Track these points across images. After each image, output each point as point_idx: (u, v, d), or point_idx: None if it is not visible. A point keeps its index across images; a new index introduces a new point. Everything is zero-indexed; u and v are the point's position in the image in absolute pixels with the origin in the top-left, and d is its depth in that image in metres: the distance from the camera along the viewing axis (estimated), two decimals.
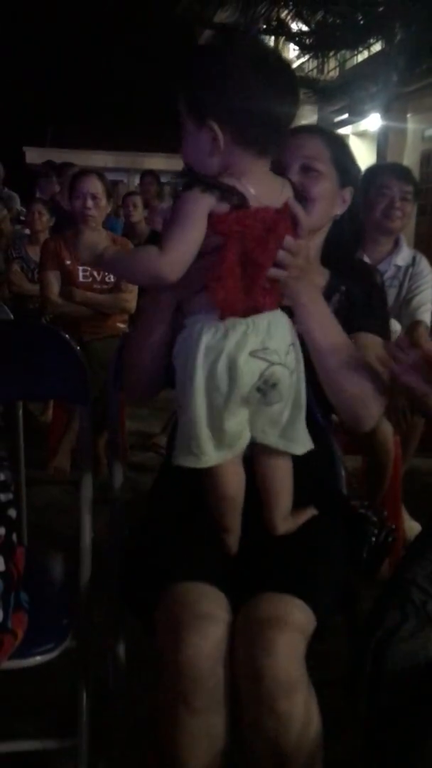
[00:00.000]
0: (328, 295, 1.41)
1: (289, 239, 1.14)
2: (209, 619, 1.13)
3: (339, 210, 1.45)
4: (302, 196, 1.21)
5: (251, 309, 1.13)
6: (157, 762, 1.16)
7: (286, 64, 1.17)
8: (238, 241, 1.10)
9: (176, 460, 1.20)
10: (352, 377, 1.26)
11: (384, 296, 1.53)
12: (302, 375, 1.20)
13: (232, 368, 1.12)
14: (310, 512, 1.31)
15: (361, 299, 1.44)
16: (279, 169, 1.28)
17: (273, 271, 1.13)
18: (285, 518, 1.27)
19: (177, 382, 1.20)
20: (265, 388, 1.15)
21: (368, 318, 1.42)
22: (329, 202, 1.42)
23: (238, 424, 1.18)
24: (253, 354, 1.12)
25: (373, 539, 1.34)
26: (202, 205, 1.08)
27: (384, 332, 1.45)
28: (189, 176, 1.12)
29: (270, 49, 1.16)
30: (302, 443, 1.22)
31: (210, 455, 1.18)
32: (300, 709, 1.10)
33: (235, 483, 1.25)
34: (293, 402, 1.20)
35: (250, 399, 1.16)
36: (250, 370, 1.13)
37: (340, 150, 1.44)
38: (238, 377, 1.12)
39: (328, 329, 1.26)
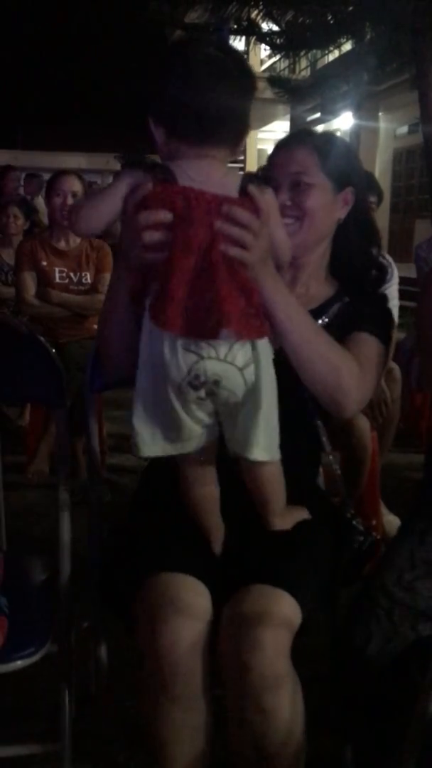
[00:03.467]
0: (329, 303, 1.41)
1: (245, 213, 1.08)
2: (188, 609, 1.13)
3: (341, 213, 1.42)
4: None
5: (206, 327, 1.07)
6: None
7: (214, 57, 1.12)
8: (180, 230, 1.06)
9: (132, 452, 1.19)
10: (325, 364, 1.23)
11: (390, 316, 1.46)
12: (266, 375, 1.14)
13: (161, 362, 1.11)
14: (304, 513, 1.32)
15: (364, 310, 1.41)
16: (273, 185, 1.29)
17: (234, 251, 1.08)
18: (281, 514, 1.27)
19: None
20: (197, 383, 1.11)
21: (369, 323, 1.38)
22: (326, 212, 1.39)
23: (187, 419, 1.15)
24: (185, 347, 1.09)
25: (357, 546, 1.35)
26: (123, 176, 1.14)
27: (384, 339, 1.39)
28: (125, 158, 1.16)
29: (205, 46, 1.13)
30: (258, 450, 1.16)
31: (149, 445, 1.17)
32: (286, 705, 1.11)
33: (202, 486, 1.25)
34: (251, 404, 1.14)
35: (186, 393, 1.12)
36: (176, 363, 1.10)
37: (334, 154, 1.40)
38: (164, 366, 1.10)
39: (294, 317, 1.21)
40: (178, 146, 1.13)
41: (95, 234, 1.20)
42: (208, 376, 1.11)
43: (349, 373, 1.25)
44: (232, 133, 1.14)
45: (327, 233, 1.43)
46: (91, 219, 1.16)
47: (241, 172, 1.16)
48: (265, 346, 1.15)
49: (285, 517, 1.28)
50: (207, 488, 1.26)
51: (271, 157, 1.44)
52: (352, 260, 1.46)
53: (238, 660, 1.10)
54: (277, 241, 1.19)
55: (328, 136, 1.49)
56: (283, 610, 1.14)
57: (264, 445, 1.16)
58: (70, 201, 3.22)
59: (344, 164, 1.41)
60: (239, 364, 1.12)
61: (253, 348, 1.13)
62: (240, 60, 1.16)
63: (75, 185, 3.26)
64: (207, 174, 1.11)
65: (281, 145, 1.44)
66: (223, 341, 1.09)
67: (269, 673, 1.09)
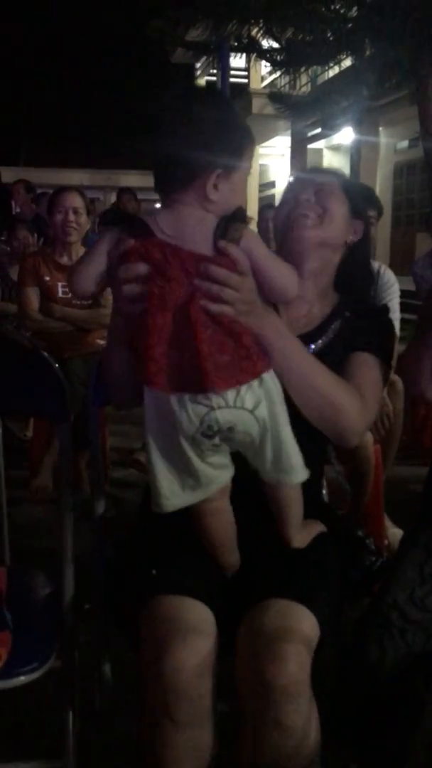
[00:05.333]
0: (330, 320, 1.41)
1: (221, 271, 1.07)
2: (193, 633, 1.13)
3: (352, 238, 1.45)
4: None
5: (192, 382, 1.07)
6: None
7: (182, 105, 1.13)
8: (156, 286, 1.07)
9: (152, 506, 1.20)
10: (324, 400, 1.23)
11: (392, 330, 1.48)
12: (278, 404, 1.15)
13: (170, 415, 1.11)
14: (320, 527, 1.32)
15: (365, 326, 1.41)
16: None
17: (216, 307, 1.07)
18: (299, 531, 1.27)
19: None
20: (210, 433, 1.11)
21: (369, 342, 1.38)
22: (344, 223, 1.42)
23: (205, 467, 1.15)
24: (192, 399, 1.09)
25: (368, 565, 1.36)
26: (105, 237, 1.16)
27: (384, 357, 1.39)
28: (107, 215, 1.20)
29: (185, 101, 1.14)
30: (296, 472, 1.19)
31: (171, 499, 1.17)
32: (303, 722, 1.10)
33: (217, 518, 1.24)
34: (273, 437, 1.15)
35: (200, 443, 1.12)
36: (187, 416, 1.10)
37: (350, 186, 1.46)
38: (177, 421, 1.11)
39: (290, 355, 1.20)
40: (159, 195, 1.15)
41: (91, 294, 1.21)
42: (221, 424, 1.11)
43: (350, 407, 1.24)
44: (184, 177, 1.11)
45: (338, 246, 1.43)
46: (81, 280, 1.17)
47: (216, 219, 1.12)
48: (270, 375, 1.15)
49: (303, 534, 1.28)
50: (223, 519, 1.25)
51: (296, 177, 1.51)
52: (355, 288, 1.50)
53: (260, 674, 1.09)
54: (277, 280, 1.17)
55: (348, 178, 1.57)
56: (304, 625, 1.14)
57: (299, 464, 1.19)
58: (71, 217, 3.25)
59: (361, 199, 1.48)
60: (249, 406, 1.12)
61: (260, 383, 1.13)
62: (211, 100, 1.17)
63: (76, 201, 3.28)
64: (180, 224, 1.10)
65: (308, 171, 1.52)
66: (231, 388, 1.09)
67: (292, 689, 1.08)
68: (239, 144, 1.15)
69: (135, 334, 1.11)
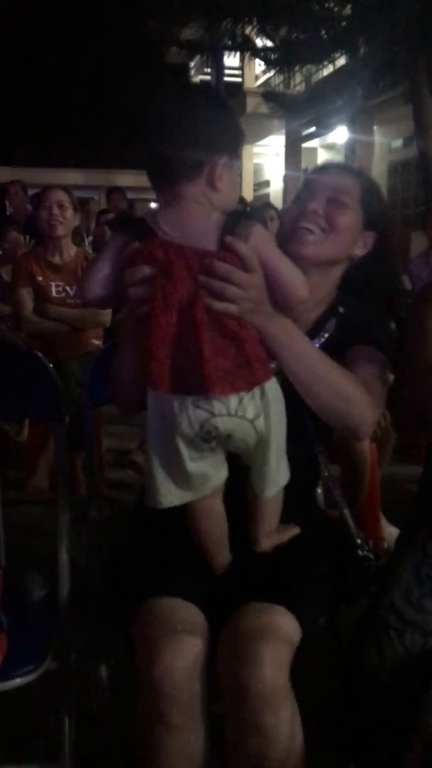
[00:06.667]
0: (325, 319, 1.39)
1: (225, 267, 1.06)
2: (184, 635, 1.12)
3: (359, 251, 1.38)
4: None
5: (193, 385, 1.07)
6: None
7: (175, 95, 1.14)
8: (159, 286, 1.06)
9: (146, 501, 1.21)
10: (335, 396, 1.21)
11: (388, 319, 1.46)
12: (275, 419, 1.14)
13: (171, 416, 1.11)
14: (294, 530, 1.31)
15: (363, 318, 1.39)
16: (307, 198, 1.32)
17: (222, 305, 1.06)
18: (269, 534, 1.27)
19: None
20: (209, 438, 1.11)
21: (368, 334, 1.36)
22: (352, 238, 1.36)
23: (201, 467, 1.16)
24: (195, 404, 1.09)
25: (366, 568, 1.34)
26: (111, 242, 1.18)
27: (385, 347, 1.36)
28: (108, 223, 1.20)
29: (171, 93, 1.15)
30: (275, 485, 1.19)
31: (167, 496, 1.17)
32: (286, 724, 1.09)
33: (210, 518, 1.24)
34: (261, 448, 1.16)
35: (199, 446, 1.13)
36: (188, 420, 1.09)
37: (370, 193, 1.39)
38: (176, 423, 1.11)
39: (300, 355, 1.19)
40: (158, 194, 1.14)
41: (106, 301, 1.20)
42: (220, 431, 1.11)
43: (360, 399, 1.23)
44: (190, 168, 1.11)
45: (341, 260, 1.38)
46: (91, 287, 1.18)
47: (223, 215, 1.11)
48: (272, 386, 1.14)
49: (271, 537, 1.27)
50: (215, 520, 1.25)
51: (314, 173, 1.43)
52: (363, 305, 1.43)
53: (237, 676, 1.08)
54: (285, 280, 1.16)
55: (373, 183, 1.46)
56: (281, 625, 1.13)
57: (276, 481, 1.19)
58: (56, 211, 3.24)
59: (379, 209, 1.40)
60: (250, 416, 1.12)
61: (262, 395, 1.12)
62: (208, 93, 1.18)
63: (60, 195, 3.28)
64: (184, 222, 1.10)
65: (327, 166, 1.44)
66: (232, 395, 1.09)
67: (268, 691, 1.07)
68: (238, 138, 1.17)
69: (140, 336, 1.11)
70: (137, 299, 1.10)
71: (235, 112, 1.23)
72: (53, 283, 3.31)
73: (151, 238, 1.09)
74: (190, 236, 1.08)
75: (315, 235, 1.32)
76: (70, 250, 3.38)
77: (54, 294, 3.32)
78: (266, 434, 1.14)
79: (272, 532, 1.27)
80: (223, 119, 1.15)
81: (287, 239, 1.34)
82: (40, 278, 3.32)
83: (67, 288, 3.32)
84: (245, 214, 1.13)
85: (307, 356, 1.20)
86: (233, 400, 1.09)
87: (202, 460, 1.15)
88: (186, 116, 1.11)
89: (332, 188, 1.35)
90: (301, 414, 1.25)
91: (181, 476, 1.16)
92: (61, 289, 3.32)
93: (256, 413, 1.12)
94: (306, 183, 1.41)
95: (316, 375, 1.20)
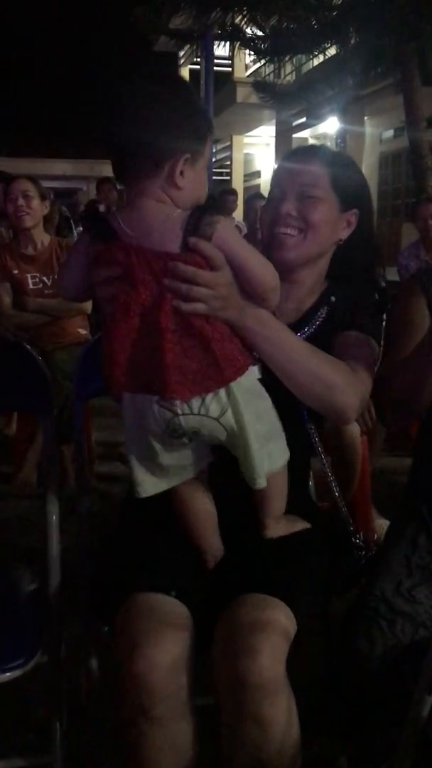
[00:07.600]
0: (316, 308, 1.38)
1: (199, 272, 1.04)
2: (167, 629, 1.12)
3: (343, 234, 1.38)
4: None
5: (155, 387, 1.06)
6: None
7: (134, 94, 1.05)
8: (121, 291, 1.05)
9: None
10: (319, 382, 1.20)
11: (378, 305, 1.44)
12: (247, 412, 1.12)
13: (141, 413, 1.11)
14: (303, 525, 1.31)
15: (353, 304, 1.38)
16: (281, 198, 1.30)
17: (189, 306, 1.04)
18: (277, 520, 1.27)
19: None
20: (177, 435, 1.11)
21: (356, 319, 1.35)
22: (330, 228, 1.35)
23: (176, 458, 1.17)
24: (159, 402, 1.08)
25: (357, 559, 1.35)
26: (80, 240, 1.16)
27: (373, 333, 1.36)
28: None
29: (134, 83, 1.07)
30: (266, 475, 1.17)
31: (149, 485, 1.18)
32: (282, 714, 1.10)
33: (196, 501, 1.24)
34: (241, 442, 1.13)
35: (169, 442, 1.13)
36: (154, 418, 1.10)
37: (342, 172, 1.36)
38: (144, 420, 1.11)
39: (278, 344, 1.17)
40: (124, 191, 1.12)
41: (83, 297, 1.19)
42: (186, 429, 1.11)
43: (342, 384, 1.21)
44: (149, 163, 1.05)
45: (326, 250, 1.39)
46: (66, 287, 1.20)
47: (186, 212, 1.06)
48: (247, 381, 1.12)
49: (279, 525, 1.27)
50: (202, 506, 1.25)
51: (281, 165, 1.40)
52: (352, 280, 1.42)
53: (234, 668, 1.08)
54: (253, 272, 1.11)
55: (342, 155, 1.45)
56: (279, 618, 1.13)
57: (266, 470, 1.17)
58: (21, 202, 3.21)
59: (354, 186, 1.38)
60: (214, 414, 1.10)
61: (228, 393, 1.10)
62: (168, 83, 1.09)
63: (24, 185, 3.24)
64: (146, 222, 1.05)
65: (294, 154, 1.41)
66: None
67: (266, 682, 1.07)
68: (203, 128, 1.10)
69: (103, 335, 1.10)
70: (107, 298, 1.09)
71: (200, 103, 1.16)
72: (29, 275, 3.29)
73: (114, 239, 1.06)
74: (152, 237, 1.04)
75: (294, 238, 1.33)
76: (44, 240, 3.35)
77: (31, 286, 3.29)
78: (237, 429, 1.12)
79: (280, 518, 1.27)
80: (186, 112, 1.07)
81: (269, 247, 1.34)
82: (15, 271, 3.29)
83: (44, 278, 3.30)
84: (208, 208, 1.07)
85: (284, 344, 1.18)
86: (195, 400, 1.08)
87: (176, 452, 1.16)
88: (143, 108, 1.04)
89: (301, 184, 1.33)
90: (297, 402, 1.25)
91: (158, 468, 1.18)
92: (37, 280, 3.30)
93: (221, 410, 1.10)
94: (274, 181, 1.40)
95: (295, 362, 1.19)
